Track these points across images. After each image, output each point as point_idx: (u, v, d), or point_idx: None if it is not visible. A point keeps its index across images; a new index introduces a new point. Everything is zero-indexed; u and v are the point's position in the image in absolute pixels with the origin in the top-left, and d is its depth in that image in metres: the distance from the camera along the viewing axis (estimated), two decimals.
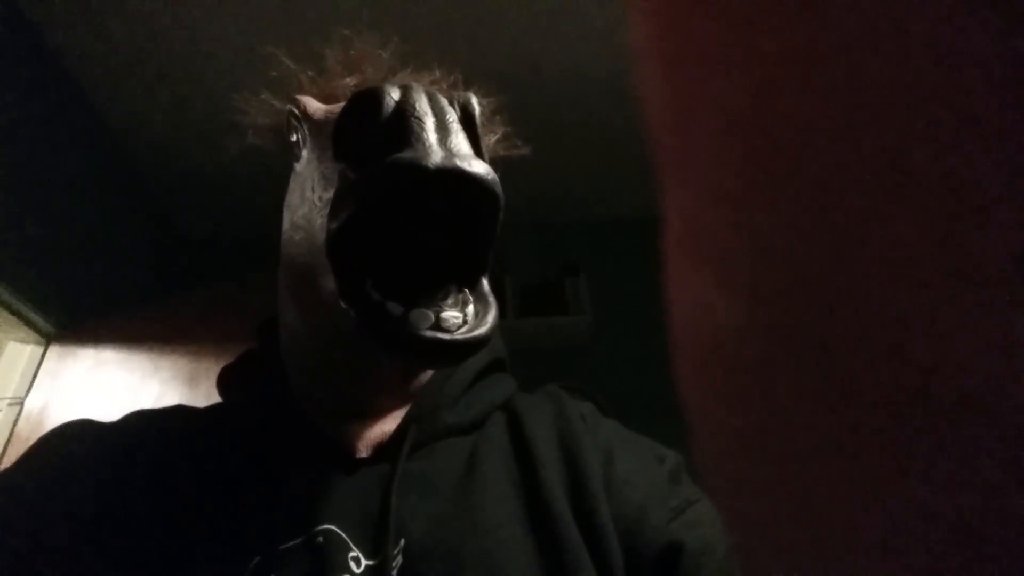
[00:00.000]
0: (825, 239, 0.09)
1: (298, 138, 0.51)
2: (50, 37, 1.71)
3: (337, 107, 0.50)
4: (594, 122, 2.05)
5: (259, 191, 0.56)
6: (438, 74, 0.58)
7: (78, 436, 0.51)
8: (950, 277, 0.08)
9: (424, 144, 0.39)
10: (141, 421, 0.54)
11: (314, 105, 0.51)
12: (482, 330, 0.42)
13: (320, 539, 0.44)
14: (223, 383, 0.59)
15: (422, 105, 0.41)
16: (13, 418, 1.70)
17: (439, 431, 0.53)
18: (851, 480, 0.10)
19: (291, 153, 0.53)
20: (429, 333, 0.40)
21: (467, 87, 0.59)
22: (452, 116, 0.42)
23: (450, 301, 0.44)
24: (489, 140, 0.58)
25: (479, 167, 0.40)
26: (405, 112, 0.40)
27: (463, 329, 0.42)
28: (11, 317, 1.69)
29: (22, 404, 1.72)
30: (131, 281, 2.13)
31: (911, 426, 0.09)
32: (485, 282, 0.47)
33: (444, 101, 0.42)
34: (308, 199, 0.48)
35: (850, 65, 0.08)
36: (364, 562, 0.44)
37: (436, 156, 0.39)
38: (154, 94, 1.87)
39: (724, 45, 0.10)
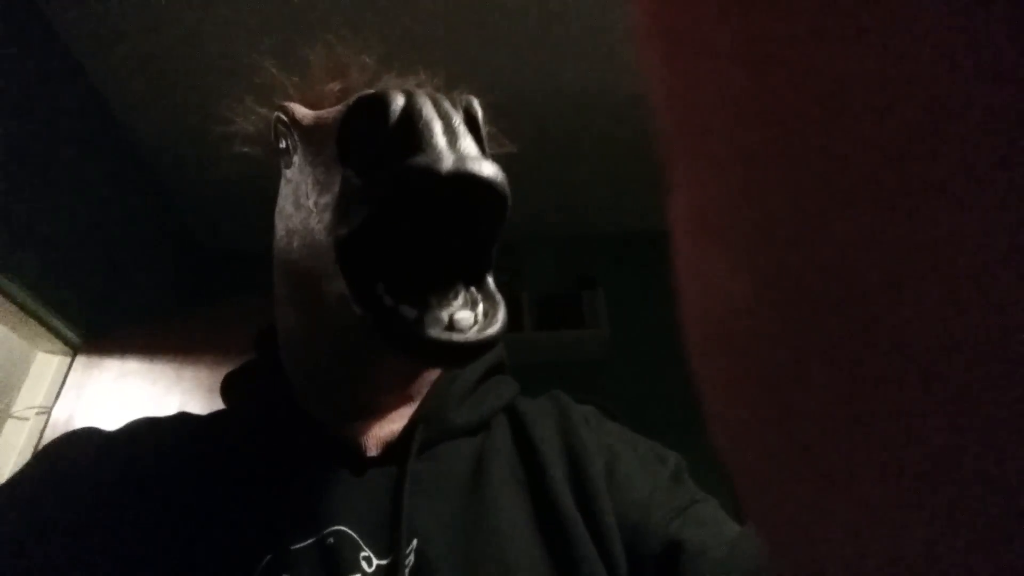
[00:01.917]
0: (835, 212, 0.09)
1: (287, 144, 0.51)
2: (78, 52, 1.76)
3: (326, 112, 0.50)
4: (612, 135, 2.05)
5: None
6: (423, 77, 0.57)
7: (82, 444, 0.52)
8: (965, 249, 0.08)
9: (435, 149, 0.39)
10: (145, 428, 0.55)
11: (302, 111, 0.51)
12: (493, 329, 0.42)
13: (331, 540, 0.45)
14: (226, 390, 0.59)
15: (428, 110, 0.41)
16: (41, 427, 1.74)
17: (446, 432, 0.53)
18: (868, 455, 0.09)
19: (280, 159, 0.53)
20: (444, 335, 0.40)
21: (451, 88, 0.60)
22: (458, 119, 0.42)
23: (460, 301, 0.44)
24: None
25: (489, 169, 0.41)
26: (412, 117, 0.40)
27: (475, 328, 0.42)
28: (40, 328, 1.72)
29: (49, 413, 1.75)
30: (155, 293, 2.17)
31: (927, 402, 0.08)
32: (491, 280, 0.47)
33: (448, 104, 0.42)
34: (304, 205, 0.48)
35: (861, 38, 0.08)
36: (376, 562, 0.44)
37: (448, 160, 0.39)
38: (179, 112, 1.91)
39: (729, 18, 0.10)
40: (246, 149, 0.59)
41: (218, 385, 0.59)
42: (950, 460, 0.08)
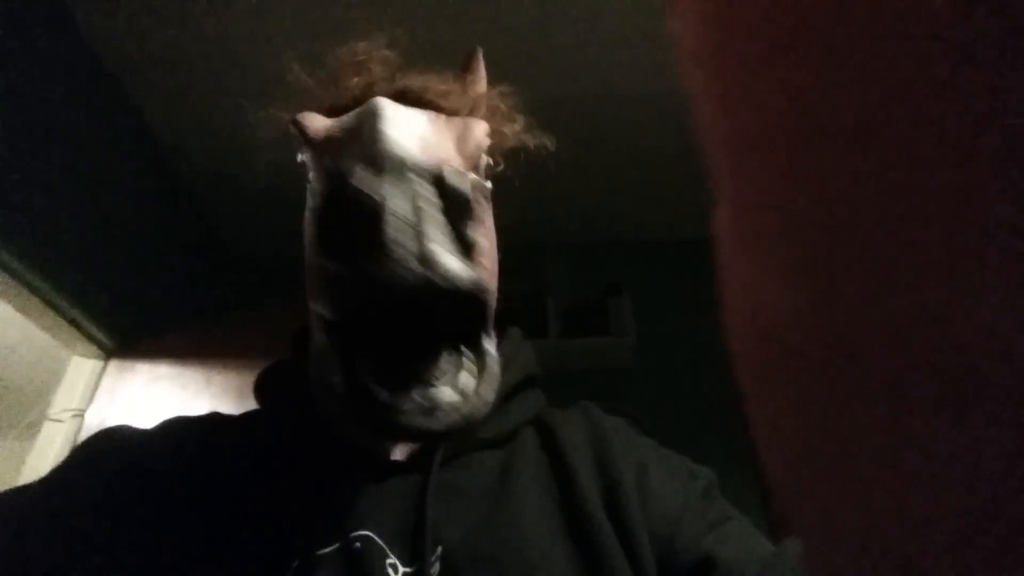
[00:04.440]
0: (885, 224, 0.09)
1: (304, 159, 0.51)
2: (112, 66, 1.81)
3: (336, 124, 0.49)
4: (638, 142, 2.04)
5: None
6: (443, 74, 0.57)
7: (117, 440, 0.53)
8: (1010, 261, 0.08)
9: (397, 259, 0.37)
10: (177, 428, 0.55)
11: (315, 124, 0.50)
12: (469, 408, 0.41)
13: (357, 545, 0.45)
14: (259, 389, 0.60)
15: (394, 203, 0.38)
16: (76, 429, 1.78)
17: (471, 443, 0.53)
18: (916, 470, 0.09)
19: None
20: (415, 422, 0.39)
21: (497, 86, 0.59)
22: (429, 214, 0.39)
23: (441, 371, 0.42)
24: (513, 129, 0.58)
25: (452, 276, 0.38)
26: (376, 214, 0.38)
27: (452, 404, 0.41)
28: (76, 333, 1.77)
29: (83, 416, 1.79)
30: (186, 299, 2.21)
31: (980, 420, 0.08)
32: (485, 339, 0.45)
33: (417, 184, 0.40)
34: None
35: (910, 50, 0.08)
36: (401, 569, 0.44)
37: (411, 274, 0.37)
38: (211, 120, 1.95)
39: (775, 34, 0.10)
40: (271, 157, 0.59)
41: (246, 389, 0.60)
42: (1000, 478, 0.08)
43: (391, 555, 0.45)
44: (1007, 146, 0.07)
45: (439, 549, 0.45)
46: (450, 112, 0.53)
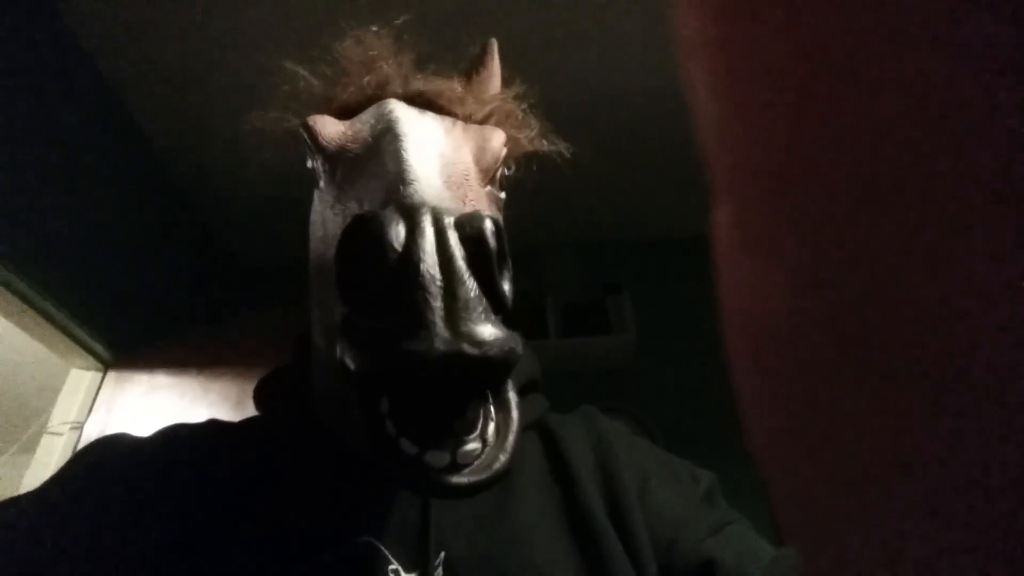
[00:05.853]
0: (875, 221, 0.09)
1: (314, 166, 0.50)
2: (110, 79, 1.80)
3: (349, 130, 0.48)
4: (637, 140, 2.04)
5: (305, 220, 0.56)
6: (454, 79, 0.56)
7: (115, 448, 0.52)
8: (1002, 262, 0.08)
9: (430, 329, 0.35)
10: (176, 435, 0.55)
11: (327, 130, 0.49)
12: (500, 464, 0.39)
13: (359, 551, 0.45)
14: (258, 396, 0.60)
15: (428, 263, 0.36)
16: (74, 442, 1.77)
17: None
18: (903, 461, 0.09)
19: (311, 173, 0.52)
20: (445, 479, 0.37)
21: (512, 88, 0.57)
22: (463, 275, 0.37)
23: (471, 423, 0.40)
24: (524, 136, 0.56)
25: (486, 346, 0.35)
26: (409, 276, 0.36)
27: (481, 460, 0.39)
28: (74, 345, 1.76)
29: (82, 429, 1.79)
30: (183, 309, 2.21)
31: (962, 411, 0.08)
32: (510, 388, 0.43)
33: (454, 248, 0.37)
34: (329, 242, 0.46)
35: (900, 53, 0.08)
36: (404, 575, 0.44)
37: (443, 345, 0.34)
38: (206, 127, 1.94)
39: (776, 35, 0.10)
40: (278, 158, 0.57)
41: (244, 397, 0.60)
42: (993, 469, 0.08)
43: (394, 561, 0.45)
44: (1002, 153, 0.08)
45: (442, 555, 0.45)
46: (466, 118, 0.52)
